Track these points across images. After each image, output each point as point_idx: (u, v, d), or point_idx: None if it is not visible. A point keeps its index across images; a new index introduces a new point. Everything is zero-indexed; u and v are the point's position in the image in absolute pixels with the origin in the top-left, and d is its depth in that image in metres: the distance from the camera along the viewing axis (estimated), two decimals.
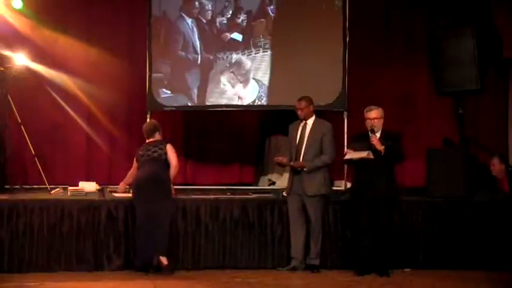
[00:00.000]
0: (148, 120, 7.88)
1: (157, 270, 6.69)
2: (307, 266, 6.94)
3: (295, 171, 6.92)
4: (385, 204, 6.75)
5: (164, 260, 6.70)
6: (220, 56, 8.40)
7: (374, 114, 6.80)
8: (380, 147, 6.66)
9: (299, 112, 6.97)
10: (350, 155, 6.79)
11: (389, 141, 6.72)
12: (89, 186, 7.50)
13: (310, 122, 6.97)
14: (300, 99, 7.01)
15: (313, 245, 6.93)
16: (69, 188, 7.53)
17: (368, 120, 6.80)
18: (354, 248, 6.99)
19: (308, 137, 6.92)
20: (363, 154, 6.66)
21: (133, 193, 6.87)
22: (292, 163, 6.90)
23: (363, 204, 6.78)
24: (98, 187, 7.54)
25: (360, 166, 6.78)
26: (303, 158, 6.88)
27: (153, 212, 6.70)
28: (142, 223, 6.72)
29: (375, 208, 6.72)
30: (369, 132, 6.74)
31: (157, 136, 7.00)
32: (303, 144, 6.92)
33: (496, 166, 7.73)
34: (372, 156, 6.64)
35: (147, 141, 7.01)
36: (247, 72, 8.41)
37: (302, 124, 6.98)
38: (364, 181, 6.78)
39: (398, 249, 7.03)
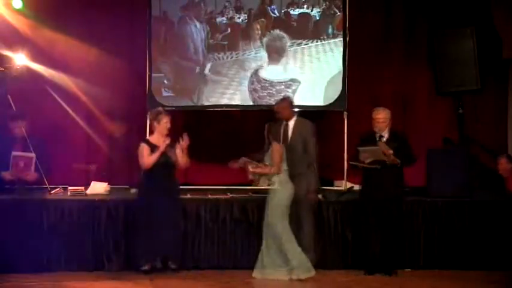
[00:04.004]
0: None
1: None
2: None
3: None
4: (394, 204, 6.77)
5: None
6: (220, 55, 8.40)
7: (381, 116, 6.84)
8: (388, 152, 6.68)
9: (277, 115, 7.00)
10: (362, 151, 6.80)
11: (396, 142, 6.75)
12: (100, 187, 7.52)
13: (291, 122, 6.97)
14: (279, 101, 7.11)
15: (306, 246, 6.89)
16: (69, 188, 7.54)
17: (376, 122, 6.82)
18: (361, 248, 6.99)
19: (291, 138, 6.92)
20: (374, 148, 6.70)
21: None
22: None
23: (372, 204, 6.79)
24: (109, 188, 7.57)
25: (369, 168, 6.79)
26: (286, 159, 6.85)
27: None
28: None
29: (384, 208, 6.73)
30: (374, 135, 6.76)
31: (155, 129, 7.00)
32: (286, 147, 6.91)
33: (504, 166, 7.72)
34: (384, 158, 6.68)
35: None
36: (248, 71, 8.41)
37: (283, 125, 6.98)
38: (373, 182, 6.79)
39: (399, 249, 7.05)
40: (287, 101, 7.14)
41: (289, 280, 6.64)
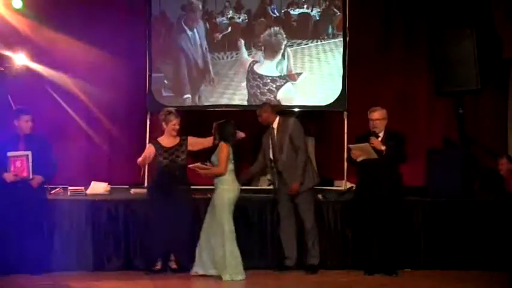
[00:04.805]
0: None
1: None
2: (306, 267, 6.94)
3: (278, 173, 6.91)
4: (392, 203, 6.76)
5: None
6: (220, 55, 8.40)
7: (376, 115, 6.83)
8: (380, 148, 6.68)
9: (259, 119, 7.01)
10: (353, 148, 6.80)
11: (391, 142, 6.74)
12: (100, 187, 7.51)
13: (275, 125, 6.98)
14: (260, 106, 7.17)
15: (309, 244, 6.92)
16: (69, 188, 7.54)
17: (371, 121, 6.82)
18: (361, 248, 6.98)
19: (276, 139, 6.92)
20: (363, 145, 6.69)
21: None
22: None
23: (370, 204, 6.78)
24: (109, 188, 7.57)
25: (365, 167, 6.79)
26: (280, 162, 6.87)
27: None
28: None
29: (382, 208, 6.73)
30: (371, 135, 6.77)
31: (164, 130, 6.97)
32: (276, 149, 6.91)
33: (505, 166, 7.72)
34: (375, 156, 6.66)
35: None
36: (248, 71, 8.41)
37: (269, 130, 6.99)
38: (369, 181, 6.78)
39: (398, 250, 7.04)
40: (267, 106, 7.16)
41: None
